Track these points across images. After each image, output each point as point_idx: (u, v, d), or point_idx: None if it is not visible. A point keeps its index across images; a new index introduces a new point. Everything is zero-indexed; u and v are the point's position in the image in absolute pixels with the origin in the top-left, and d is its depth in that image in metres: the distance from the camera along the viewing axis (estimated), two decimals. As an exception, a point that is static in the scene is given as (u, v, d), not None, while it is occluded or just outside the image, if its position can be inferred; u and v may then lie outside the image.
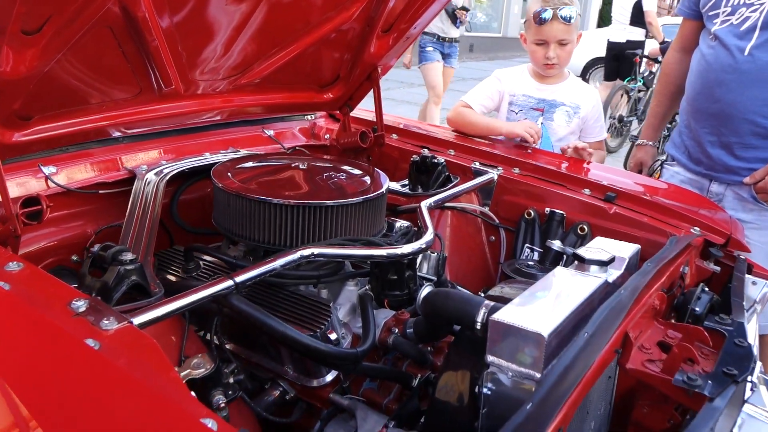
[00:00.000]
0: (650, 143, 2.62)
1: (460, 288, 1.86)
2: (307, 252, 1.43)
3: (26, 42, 1.27)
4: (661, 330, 1.40)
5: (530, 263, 1.85)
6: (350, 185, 1.75)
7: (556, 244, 1.85)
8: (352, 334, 1.55)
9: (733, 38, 2.12)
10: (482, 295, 1.92)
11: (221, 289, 1.26)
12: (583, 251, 1.45)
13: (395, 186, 2.24)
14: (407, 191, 2.21)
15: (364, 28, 2.10)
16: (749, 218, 2.23)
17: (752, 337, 1.69)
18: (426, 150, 2.37)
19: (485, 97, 2.78)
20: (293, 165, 1.80)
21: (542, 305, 1.23)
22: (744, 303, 1.57)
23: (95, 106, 1.64)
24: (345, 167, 1.91)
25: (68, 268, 1.71)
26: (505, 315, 1.16)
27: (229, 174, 1.70)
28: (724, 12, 2.16)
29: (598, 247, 1.50)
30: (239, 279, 1.29)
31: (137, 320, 1.11)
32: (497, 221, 2.17)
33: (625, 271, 1.48)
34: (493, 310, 1.24)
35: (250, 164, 1.85)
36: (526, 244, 2.10)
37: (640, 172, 2.64)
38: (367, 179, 1.84)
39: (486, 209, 2.19)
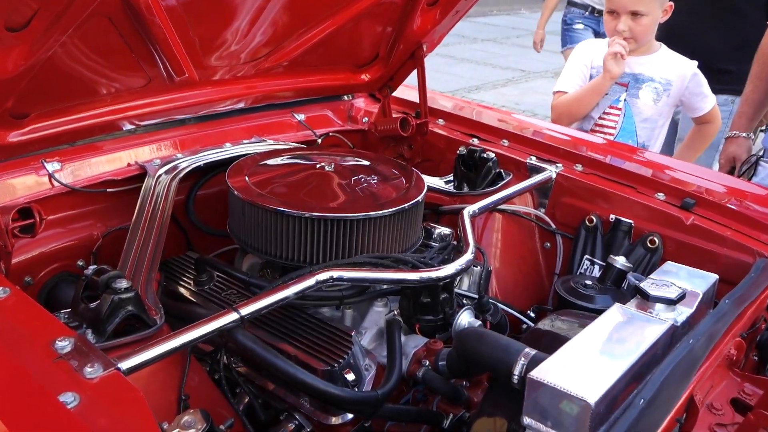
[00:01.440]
0: (743, 135, 2.44)
1: (505, 307, 1.78)
2: (324, 276, 1.37)
3: (12, 39, 1.23)
4: (736, 383, 1.29)
5: (588, 282, 1.74)
6: (382, 191, 1.68)
7: (620, 261, 1.73)
8: (377, 364, 1.49)
9: None
10: (532, 315, 1.86)
11: (225, 324, 1.22)
12: (647, 285, 1.34)
13: (438, 183, 2.15)
14: (451, 189, 2.12)
15: (408, 1, 1.99)
16: None
17: None
18: (475, 140, 2.26)
19: (575, 75, 2.78)
20: (318, 166, 1.73)
21: (592, 359, 1.14)
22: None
23: (99, 100, 1.62)
24: (378, 166, 1.83)
25: (74, 274, 1.71)
26: (546, 372, 1.08)
27: (246, 177, 1.65)
28: None
29: (666, 279, 1.39)
30: (245, 311, 1.24)
31: (127, 364, 1.08)
32: (554, 227, 2.06)
33: (698, 308, 1.36)
34: (532, 364, 1.16)
35: (270, 162, 1.79)
36: (586, 256, 1.98)
37: (732, 169, 2.46)
38: (403, 181, 1.75)
39: (541, 212, 2.08)
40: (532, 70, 9.92)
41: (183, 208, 1.93)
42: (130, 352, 1.11)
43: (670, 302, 1.30)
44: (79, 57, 1.46)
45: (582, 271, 1.99)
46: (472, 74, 9.44)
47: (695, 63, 2.66)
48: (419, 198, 1.64)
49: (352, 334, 1.44)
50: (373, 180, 1.71)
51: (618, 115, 2.69)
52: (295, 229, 1.51)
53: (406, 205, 1.59)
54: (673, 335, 1.28)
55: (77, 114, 1.59)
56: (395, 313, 1.55)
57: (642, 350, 1.17)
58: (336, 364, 1.36)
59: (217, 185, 2.00)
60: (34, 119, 1.52)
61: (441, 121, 2.41)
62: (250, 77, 1.93)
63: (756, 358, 1.56)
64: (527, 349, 1.22)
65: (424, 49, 2.21)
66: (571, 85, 2.75)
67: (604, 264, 1.86)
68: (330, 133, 2.35)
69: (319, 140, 2.29)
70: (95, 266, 1.29)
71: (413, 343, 1.53)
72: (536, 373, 1.08)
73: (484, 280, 1.74)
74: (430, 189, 2.08)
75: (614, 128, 2.67)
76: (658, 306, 1.31)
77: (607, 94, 2.68)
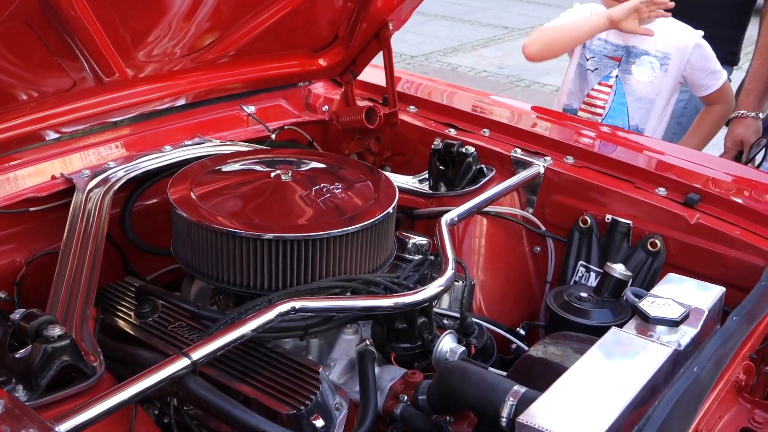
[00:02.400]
0: (752, 114, 2.51)
1: (491, 326, 1.84)
2: (285, 307, 1.40)
3: None
4: (746, 411, 1.36)
5: (583, 294, 1.80)
6: (347, 202, 1.71)
7: (618, 270, 1.80)
8: (349, 402, 1.53)
9: None
10: (522, 332, 1.92)
11: (176, 372, 1.25)
12: (647, 305, 1.40)
13: (411, 182, 2.20)
14: (426, 190, 2.16)
15: (367, -23, 2.02)
16: None
17: None
18: (452, 130, 2.31)
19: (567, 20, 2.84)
20: (273, 174, 1.76)
21: (588, 396, 1.19)
22: None
23: (17, 109, 1.62)
24: (341, 171, 1.86)
25: None
26: (537, 415, 1.13)
27: (191, 192, 1.67)
28: None
29: (667, 295, 1.45)
30: (197, 355, 1.27)
31: (66, 426, 1.10)
32: (544, 229, 2.12)
33: (704, 327, 1.43)
34: (522, 404, 1.21)
35: (218, 170, 1.81)
36: (581, 261, 2.05)
37: (740, 153, 2.53)
38: (370, 187, 1.79)
39: (529, 213, 2.14)
40: (515, 27, 9.98)
41: (118, 222, 1.95)
42: (68, 412, 1.14)
43: (673, 324, 1.36)
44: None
45: (576, 279, 2.05)
46: (447, 33, 9.46)
47: (699, 33, 2.70)
48: (390, 209, 1.68)
49: (320, 370, 1.47)
50: (337, 189, 1.74)
51: (608, 93, 2.76)
52: (249, 252, 1.54)
53: (376, 218, 1.63)
54: (677, 360, 1.34)
55: (-10, 127, 1.60)
56: (367, 342, 1.59)
57: (642, 382, 1.22)
58: (302, 407, 1.39)
59: (157, 195, 2.02)
60: (-59, 135, 1.52)
61: (412, 108, 2.45)
62: (191, 70, 1.95)
63: (768, 373, 1.64)
64: (516, 387, 1.27)
65: (390, 27, 2.24)
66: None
67: (601, 271, 1.93)
68: (285, 127, 2.37)
69: (273, 135, 2.32)
70: (23, 310, 1.31)
71: (389, 376, 1.57)
72: (526, 417, 1.13)
73: (467, 297, 1.79)
74: (403, 190, 2.13)
75: (603, 108, 2.74)
76: (660, 328, 1.37)
77: (596, 69, 2.74)
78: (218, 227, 1.55)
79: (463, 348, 1.63)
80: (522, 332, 1.92)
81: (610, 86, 2.76)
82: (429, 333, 1.62)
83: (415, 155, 2.36)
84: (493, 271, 2.11)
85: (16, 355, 1.27)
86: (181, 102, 2.03)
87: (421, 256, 1.86)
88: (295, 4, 1.97)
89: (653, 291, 1.50)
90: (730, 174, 2.14)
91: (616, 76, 2.74)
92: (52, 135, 1.77)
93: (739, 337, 1.37)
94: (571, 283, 2.06)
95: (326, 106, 2.49)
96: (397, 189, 1.79)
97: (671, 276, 1.58)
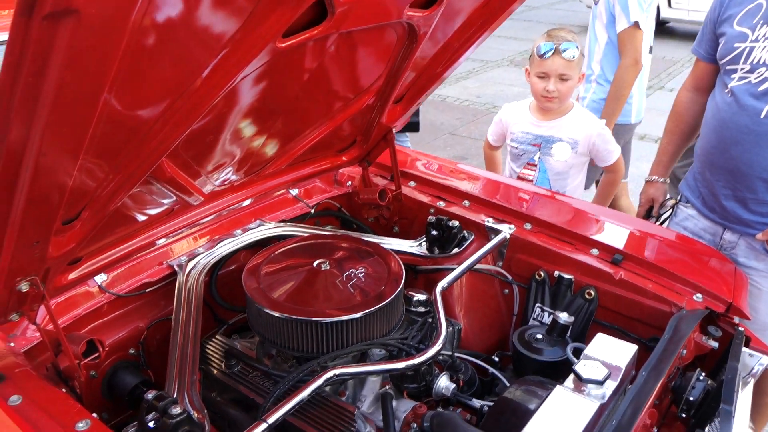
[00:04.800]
0: (660, 180, 2.61)
1: (473, 359, 1.96)
2: (330, 374, 1.55)
3: (67, 228, 1.37)
4: (652, 442, 1.49)
5: (539, 336, 1.93)
6: (370, 284, 1.81)
7: (563, 318, 1.92)
8: (376, 428, 1.68)
9: (750, 98, 2.07)
10: (496, 359, 2.05)
11: None
12: (581, 367, 1.53)
13: (414, 246, 2.32)
14: (425, 253, 2.28)
15: (376, 105, 2.13)
16: (761, 267, 2.25)
17: (744, 412, 1.77)
18: (442, 202, 2.42)
19: (492, 133, 3.09)
20: (315, 264, 1.88)
21: (539, 446, 1.33)
22: (733, 402, 1.61)
23: (135, 232, 1.76)
24: (362, 253, 1.97)
25: (128, 361, 1.87)
26: (504, 466, 1.27)
27: (259, 284, 1.80)
28: (743, 69, 2.09)
29: (596, 357, 1.58)
30: (272, 420, 1.42)
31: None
32: (510, 278, 2.24)
33: (622, 379, 1.55)
34: (494, 455, 1.35)
35: (276, 260, 1.92)
36: (537, 303, 2.17)
37: (651, 208, 2.64)
38: (384, 266, 1.90)
39: (499, 266, 2.26)
40: (489, 60, 9.95)
41: (208, 287, 2.09)
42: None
43: (599, 383, 1.50)
44: (118, 214, 1.59)
45: (535, 316, 2.18)
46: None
47: (602, 122, 2.83)
48: (399, 288, 1.80)
49: (354, 411, 1.62)
50: (360, 273, 1.86)
51: (534, 170, 2.91)
52: (303, 330, 1.67)
53: (392, 297, 1.75)
54: (602, 408, 1.47)
55: (119, 246, 1.74)
56: (387, 387, 1.73)
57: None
58: (345, 439, 1.55)
59: (234, 263, 2.16)
60: (86, 259, 1.66)
61: (412, 183, 2.56)
62: (253, 182, 2.07)
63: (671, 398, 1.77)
64: (489, 439, 1.42)
65: (394, 131, 2.34)
66: (491, 138, 3.14)
67: (553, 311, 2.05)
68: (321, 202, 2.50)
69: (312, 210, 2.45)
70: (155, 392, 1.45)
71: (403, 408, 1.71)
72: (496, 467, 1.27)
73: (456, 343, 1.92)
74: (408, 254, 2.26)
75: (531, 181, 2.89)
76: (590, 385, 1.50)
77: (523, 154, 2.92)
78: (281, 315, 1.68)
79: (454, 385, 1.77)
80: (496, 359, 2.05)
81: (535, 165, 2.91)
82: (429, 375, 1.76)
83: (415, 220, 2.48)
84: (474, 309, 2.24)
85: (150, 425, 1.43)
86: (247, 202, 2.16)
87: (423, 311, 1.97)
88: (336, 124, 2.08)
89: (586, 351, 1.62)
90: (646, 234, 2.24)
91: (539, 158, 2.87)
92: (161, 241, 1.91)
93: (648, 392, 1.49)
94: (531, 319, 2.19)
95: (350, 182, 2.62)
96: (403, 268, 1.90)
97: (600, 336, 1.69)
